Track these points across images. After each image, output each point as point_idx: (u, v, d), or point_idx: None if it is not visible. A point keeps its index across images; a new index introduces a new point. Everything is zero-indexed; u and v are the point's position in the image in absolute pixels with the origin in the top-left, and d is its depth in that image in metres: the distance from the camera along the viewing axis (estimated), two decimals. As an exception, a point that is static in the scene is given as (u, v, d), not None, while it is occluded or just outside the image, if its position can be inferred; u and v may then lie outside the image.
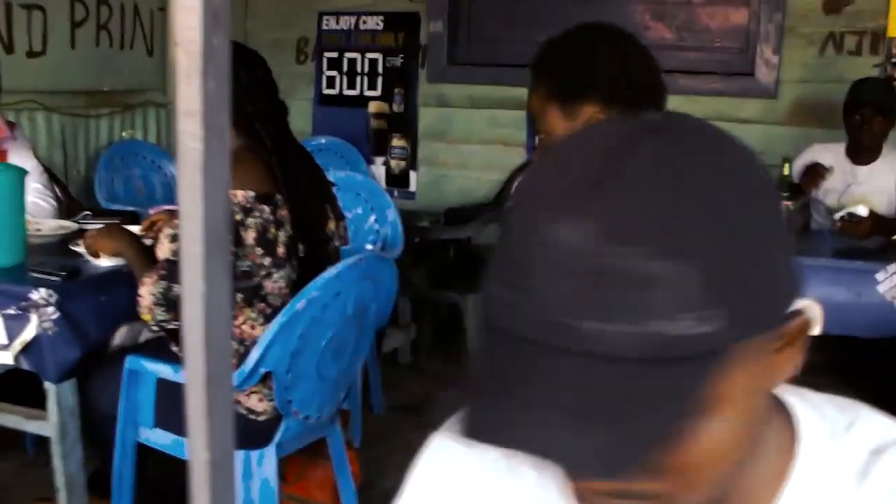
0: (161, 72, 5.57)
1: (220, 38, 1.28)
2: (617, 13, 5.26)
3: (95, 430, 2.80)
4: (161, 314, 2.44)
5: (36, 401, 2.92)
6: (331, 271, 2.47)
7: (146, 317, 2.48)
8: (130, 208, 4.89)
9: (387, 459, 3.36)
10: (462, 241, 4.92)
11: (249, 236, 2.45)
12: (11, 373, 2.75)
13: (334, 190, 2.83)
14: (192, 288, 1.35)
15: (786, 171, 3.97)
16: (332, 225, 2.71)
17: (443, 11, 5.45)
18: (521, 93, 5.39)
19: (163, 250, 2.47)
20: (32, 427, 2.77)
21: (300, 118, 5.64)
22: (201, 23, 1.30)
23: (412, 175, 5.74)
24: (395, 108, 5.71)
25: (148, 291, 2.44)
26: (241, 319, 2.53)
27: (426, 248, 4.71)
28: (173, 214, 2.56)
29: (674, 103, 5.26)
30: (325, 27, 5.85)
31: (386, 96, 5.72)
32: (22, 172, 2.79)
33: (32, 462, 3.60)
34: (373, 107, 5.76)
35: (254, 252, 2.46)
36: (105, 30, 5.16)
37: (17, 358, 2.62)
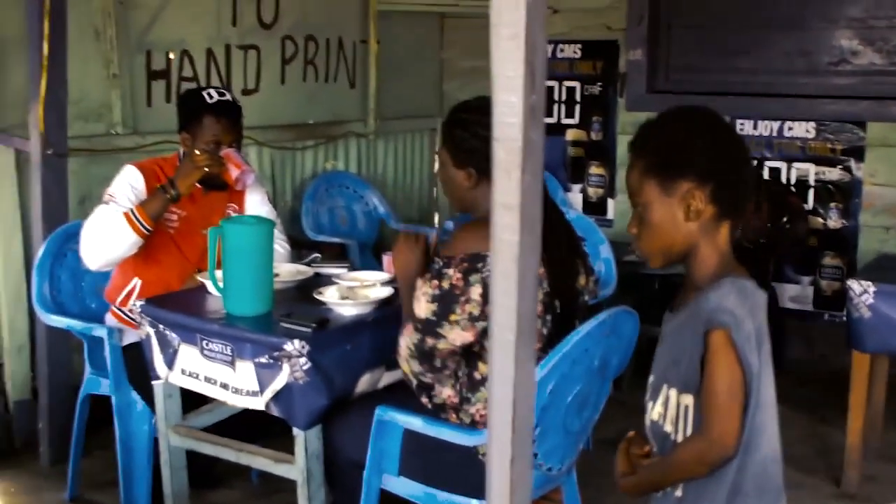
0: (362, 103, 5.69)
1: (537, 133, 1.27)
2: (823, 38, 5.10)
3: (337, 474, 2.87)
4: (416, 366, 2.53)
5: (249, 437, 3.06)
6: (582, 329, 2.46)
7: (405, 367, 2.54)
8: (336, 240, 5.03)
9: (602, 499, 3.33)
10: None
11: None
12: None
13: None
14: (503, 373, 1.35)
15: None
16: (582, 280, 2.70)
17: (642, 39, 5.39)
18: (723, 121, 5.31)
19: (421, 308, 2.51)
20: (280, 470, 2.85)
21: (495, 146, 5.63)
22: (521, 119, 1.29)
23: (609, 202, 5.70)
24: (594, 135, 5.67)
25: (405, 343, 2.51)
26: (487, 367, 2.54)
27: (632, 281, 4.64)
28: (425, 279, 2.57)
29: (882, 132, 5.11)
30: (522, 56, 5.85)
31: (584, 124, 5.69)
32: (272, 224, 2.88)
33: (257, 492, 3.72)
34: (571, 134, 5.74)
35: None
36: (312, 64, 5.32)
37: (267, 405, 2.71)
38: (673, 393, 1.89)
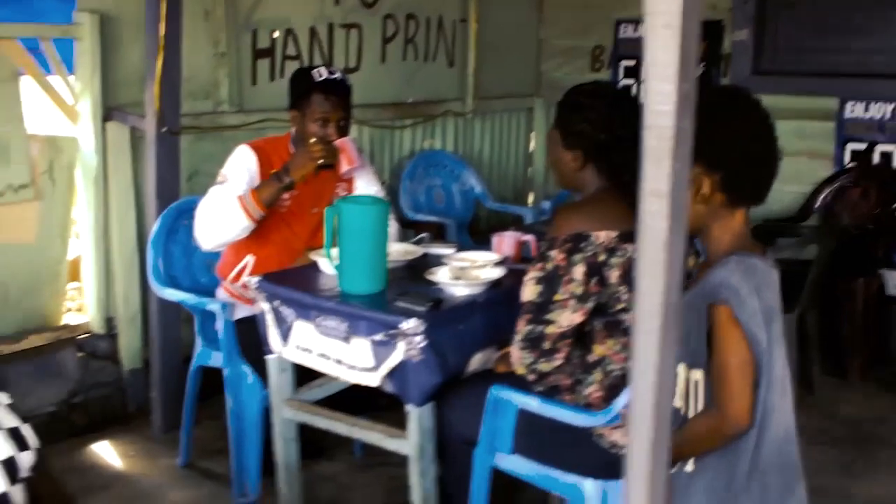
0: (461, 82, 5.70)
1: (687, 121, 1.27)
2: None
3: (447, 450, 2.90)
4: (528, 357, 2.53)
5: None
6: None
7: (520, 370, 2.55)
8: (433, 218, 5.06)
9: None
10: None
11: (614, 275, 2.50)
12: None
13: None
14: (646, 360, 1.35)
15: None
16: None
17: (749, 19, 5.30)
18: (830, 103, 5.22)
19: (527, 293, 2.53)
20: (392, 445, 2.89)
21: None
22: (674, 107, 1.29)
23: (708, 185, 5.61)
24: (694, 117, 5.59)
25: (517, 337, 2.53)
26: (601, 349, 2.57)
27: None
28: (537, 257, 2.59)
29: None
30: (622, 35, 5.82)
31: (683, 105, 5.61)
32: (387, 205, 2.91)
33: (359, 465, 3.79)
34: (670, 117, 5.65)
35: (618, 290, 2.50)
36: (412, 43, 5.34)
37: (382, 381, 2.75)
38: (682, 368, 1.90)
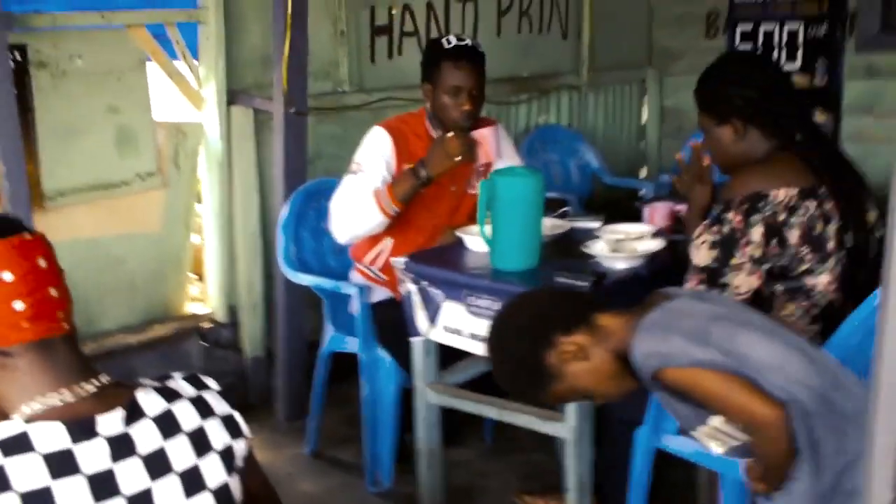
0: (575, 54, 5.56)
1: None
2: None
3: (605, 432, 2.80)
4: None
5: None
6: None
7: None
8: (553, 195, 4.92)
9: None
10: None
11: (794, 235, 2.40)
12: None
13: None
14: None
15: None
16: (871, 216, 2.54)
17: (877, -27, 5.06)
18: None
19: (701, 256, 2.44)
20: (547, 428, 2.79)
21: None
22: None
23: (835, 152, 5.40)
24: (818, 81, 5.37)
25: None
26: (784, 313, 2.48)
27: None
28: (705, 226, 2.48)
29: None
30: (737, -1, 5.60)
31: (807, 68, 5.39)
32: (542, 176, 2.79)
33: (491, 450, 3.69)
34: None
35: (800, 250, 2.41)
36: (526, 16, 5.22)
37: (539, 361, 2.65)
38: (701, 431, 1.94)
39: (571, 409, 2.68)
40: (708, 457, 2.53)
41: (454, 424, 3.42)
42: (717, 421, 1.88)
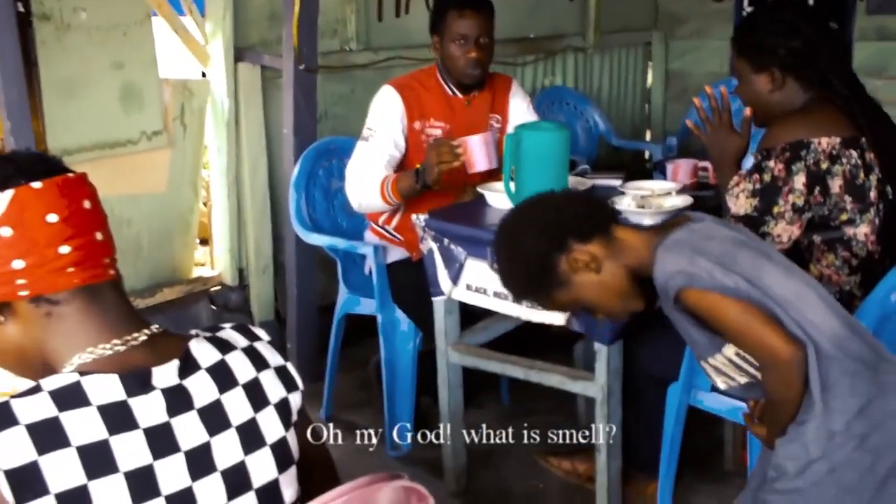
0: (581, 16, 5.48)
1: None
2: None
3: (633, 390, 2.74)
4: None
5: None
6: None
7: None
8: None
9: None
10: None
11: (836, 184, 2.36)
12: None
13: None
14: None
15: None
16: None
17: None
18: None
19: (739, 205, 2.40)
20: (577, 387, 2.73)
21: (716, 59, 5.37)
22: None
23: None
24: (828, 41, 5.29)
25: None
26: (818, 267, 2.44)
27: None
28: (743, 175, 2.42)
29: None
30: (747, -42, 5.52)
31: (817, 29, 5.31)
32: (568, 131, 2.72)
33: (508, 412, 3.63)
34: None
35: (841, 200, 2.36)
36: (533, -24, 5.11)
37: (568, 320, 2.59)
38: (713, 361, 1.87)
39: (601, 369, 2.61)
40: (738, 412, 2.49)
41: (471, 387, 3.36)
42: (730, 351, 1.82)
